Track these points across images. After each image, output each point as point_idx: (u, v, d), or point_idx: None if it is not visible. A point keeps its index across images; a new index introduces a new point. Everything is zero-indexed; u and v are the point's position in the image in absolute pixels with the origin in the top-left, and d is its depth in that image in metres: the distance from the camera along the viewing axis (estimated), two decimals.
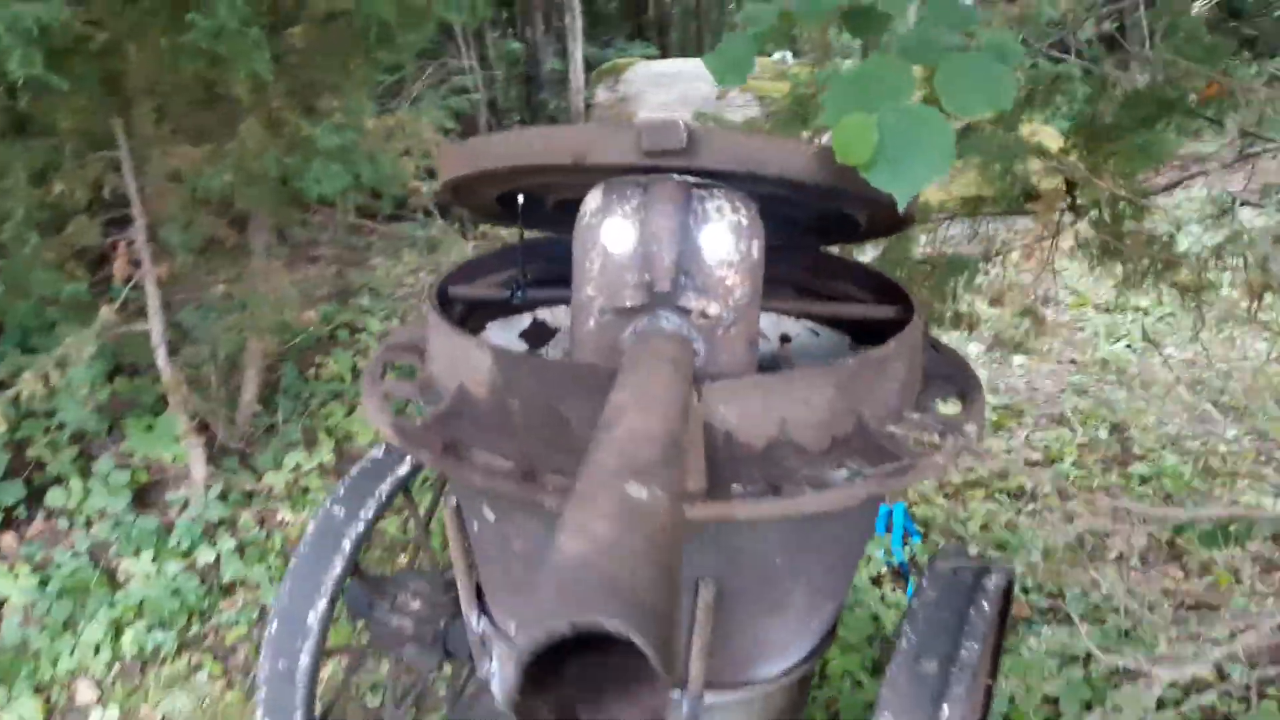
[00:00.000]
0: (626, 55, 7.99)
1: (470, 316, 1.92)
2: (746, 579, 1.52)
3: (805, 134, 2.60)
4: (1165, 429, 4.26)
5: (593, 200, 1.42)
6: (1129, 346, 5.16)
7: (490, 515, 1.57)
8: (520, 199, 1.72)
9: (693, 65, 6.87)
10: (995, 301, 2.26)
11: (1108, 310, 5.55)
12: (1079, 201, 2.00)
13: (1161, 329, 5.43)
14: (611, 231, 1.39)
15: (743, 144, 1.32)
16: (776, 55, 6.57)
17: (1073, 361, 5.01)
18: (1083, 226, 2.03)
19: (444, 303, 1.76)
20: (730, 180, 1.39)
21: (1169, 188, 1.99)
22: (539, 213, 1.83)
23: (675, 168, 1.34)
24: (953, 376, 1.72)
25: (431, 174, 4.30)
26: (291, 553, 2.96)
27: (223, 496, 3.35)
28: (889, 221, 1.59)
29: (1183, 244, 2.02)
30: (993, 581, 1.61)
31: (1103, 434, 4.13)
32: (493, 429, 1.45)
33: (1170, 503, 3.62)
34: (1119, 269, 2.02)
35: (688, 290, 1.38)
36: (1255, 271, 1.96)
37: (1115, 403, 4.47)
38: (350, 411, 4.01)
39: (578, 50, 6.36)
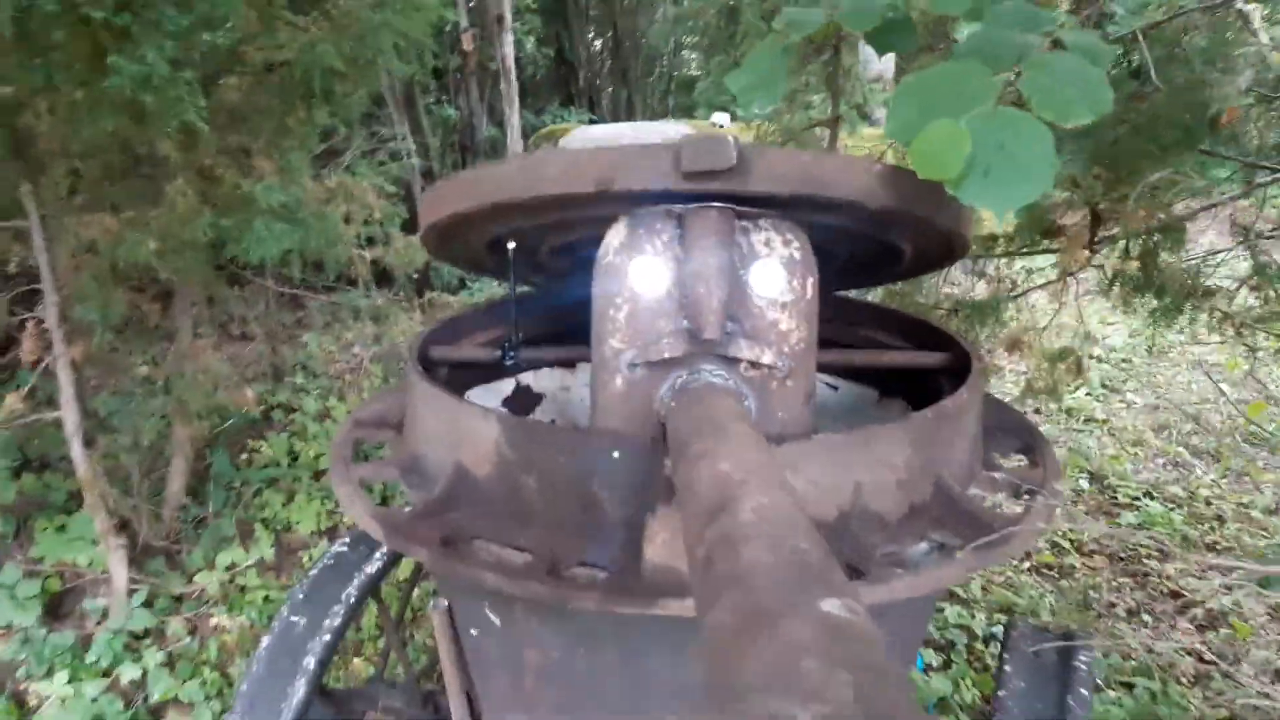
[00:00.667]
0: (562, 122, 7.88)
1: (449, 382, 1.67)
2: None
3: None
4: (1141, 475, 4.16)
5: (616, 236, 1.19)
6: (1089, 394, 5.09)
7: (495, 619, 1.30)
8: (512, 246, 1.49)
9: (630, 129, 6.77)
10: (1012, 348, 2.10)
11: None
12: (1107, 235, 1.85)
13: (1115, 375, 5.40)
14: (642, 271, 1.17)
15: (802, 162, 1.12)
16: (713, 118, 6.49)
17: (1037, 411, 4.92)
18: (1108, 261, 1.89)
19: (425, 366, 1.51)
20: (779, 207, 1.18)
21: (1185, 219, 1.87)
22: (530, 262, 1.60)
23: (719, 193, 1.13)
24: (1009, 428, 1.52)
25: (372, 240, 4.05)
26: (236, 667, 2.61)
27: (148, 603, 2.97)
28: (939, 253, 1.40)
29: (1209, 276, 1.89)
30: (1083, 660, 1.40)
31: (1084, 484, 4.00)
32: (502, 515, 1.20)
33: (1165, 551, 3.49)
34: (1153, 303, 1.88)
35: (737, 338, 1.16)
36: None
37: (1087, 450, 4.37)
38: (290, 499, 3.66)
39: (515, 115, 6.19)
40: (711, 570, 0.60)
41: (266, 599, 3.01)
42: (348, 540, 1.72)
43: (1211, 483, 4.02)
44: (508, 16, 6.02)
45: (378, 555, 1.69)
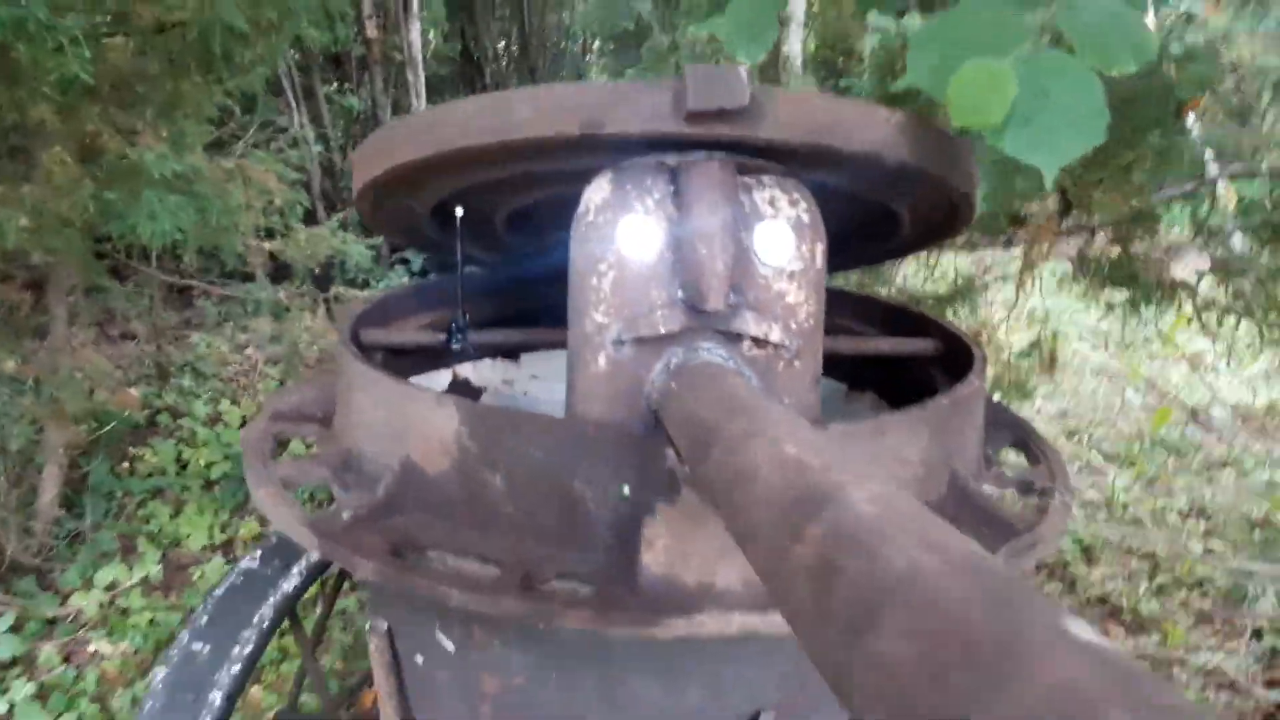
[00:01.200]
0: None
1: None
2: (810, 700, 1.13)
3: None
4: None
5: (598, 192, 1.02)
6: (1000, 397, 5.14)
7: (447, 643, 1.11)
8: (460, 211, 1.31)
9: None
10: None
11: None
12: (1077, 222, 1.78)
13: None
14: (631, 232, 1.00)
15: (817, 106, 0.97)
16: None
17: None
18: (1082, 249, 1.82)
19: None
20: (784, 160, 1.03)
21: (1157, 206, 1.83)
22: (481, 233, 1.42)
23: (724, 140, 0.97)
24: (1000, 422, 1.41)
25: (271, 232, 3.76)
26: (119, 699, 2.32)
27: (15, 628, 2.63)
28: (943, 223, 1.28)
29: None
30: None
31: None
32: (461, 520, 1.02)
33: (1090, 556, 3.50)
34: (1123, 293, 1.81)
35: (741, 310, 1.00)
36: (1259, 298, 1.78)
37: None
38: (178, 511, 3.35)
39: (422, 107, 5.93)
40: (840, 579, 0.44)
41: (152, 622, 2.71)
42: (258, 554, 1.50)
43: (1125, 487, 4.07)
44: (414, 4, 5.77)
45: (295, 570, 1.47)
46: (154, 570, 2.93)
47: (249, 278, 4.18)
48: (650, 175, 1.02)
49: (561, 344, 1.58)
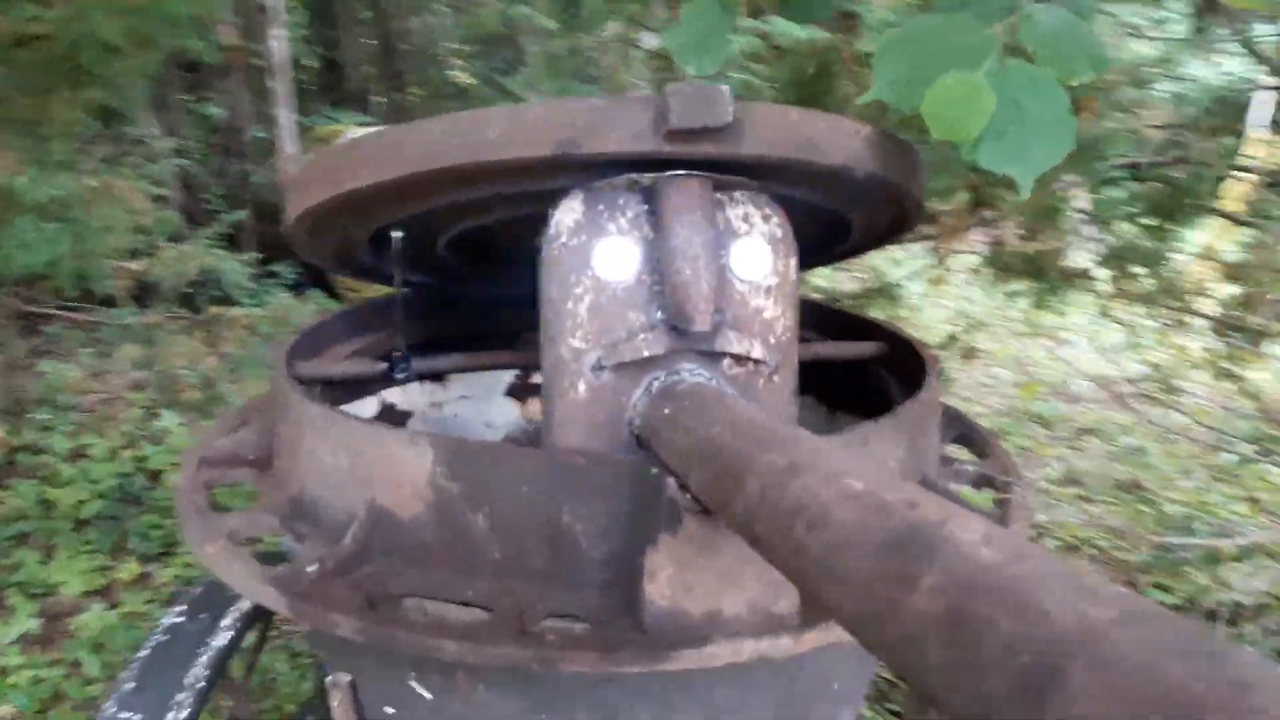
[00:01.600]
0: (334, 123, 7.36)
1: None
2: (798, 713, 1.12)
3: None
4: None
5: (569, 214, 0.98)
6: None
7: (424, 693, 1.04)
8: (398, 236, 1.24)
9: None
10: None
11: None
12: (988, 215, 1.85)
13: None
14: (608, 255, 0.97)
15: (793, 121, 0.96)
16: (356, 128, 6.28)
17: None
18: (992, 244, 1.88)
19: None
20: (759, 175, 1.02)
21: (1063, 199, 1.91)
22: (421, 257, 1.35)
23: (703, 158, 0.95)
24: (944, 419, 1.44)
25: (134, 253, 3.51)
26: None
27: None
28: (891, 226, 1.29)
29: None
30: None
31: None
32: (441, 565, 0.96)
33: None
34: (1028, 285, 1.89)
35: (724, 329, 0.98)
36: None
37: None
38: (48, 557, 3.09)
39: (286, 115, 5.68)
40: (990, 635, 0.42)
41: (36, 680, 2.49)
42: (183, 608, 1.38)
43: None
44: (276, 6, 5.52)
45: (226, 623, 1.37)
46: (31, 626, 2.70)
47: (108, 301, 3.91)
48: (623, 195, 0.99)
49: (504, 367, 1.53)
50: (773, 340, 1.01)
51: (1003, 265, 1.92)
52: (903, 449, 1.06)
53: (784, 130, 0.96)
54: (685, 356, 0.99)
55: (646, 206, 0.99)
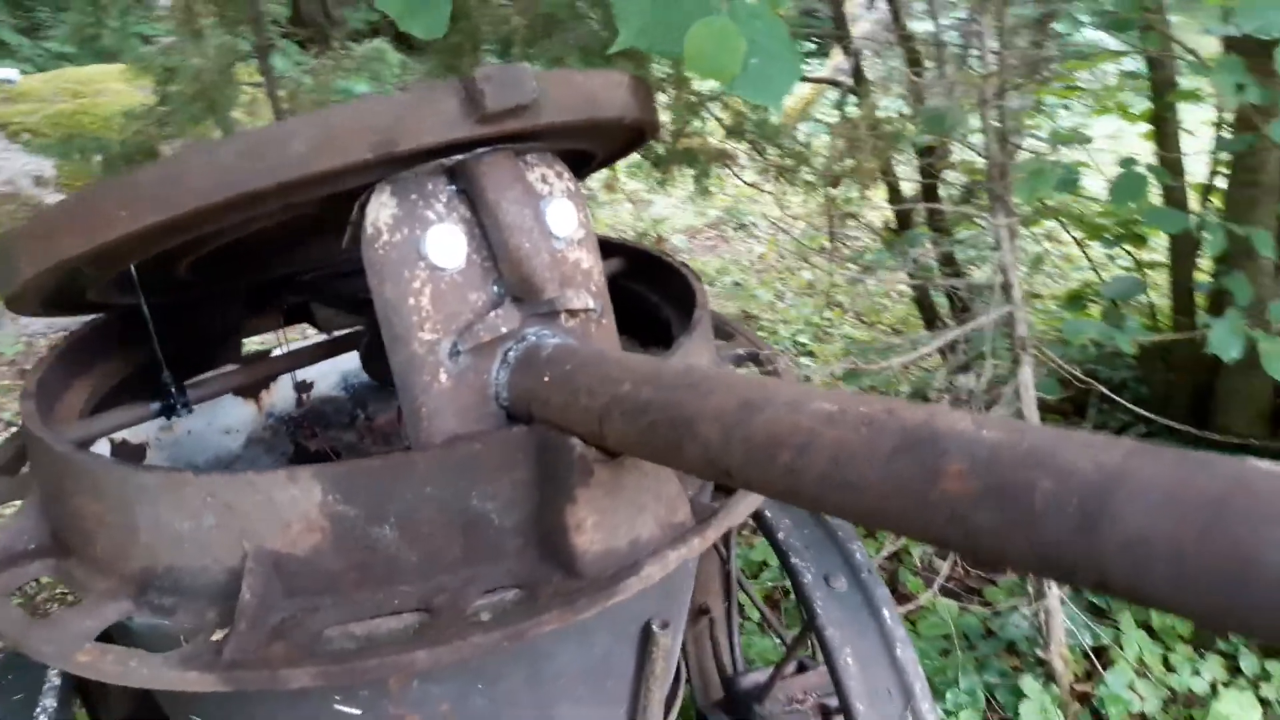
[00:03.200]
0: None
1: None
2: (677, 607, 1.28)
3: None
4: None
5: (382, 210, 0.98)
6: None
7: (352, 710, 1.05)
8: (133, 267, 1.12)
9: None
10: None
11: None
12: None
13: None
14: (438, 242, 0.99)
15: (581, 84, 1.02)
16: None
17: None
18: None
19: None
20: (550, 138, 1.07)
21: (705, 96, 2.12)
22: (159, 281, 1.21)
23: (513, 133, 0.98)
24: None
25: None
26: None
27: None
28: (627, 147, 1.39)
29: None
30: None
31: None
32: (352, 587, 0.97)
33: None
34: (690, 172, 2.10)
35: (562, 289, 1.05)
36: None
37: None
38: None
39: None
40: (1034, 495, 0.58)
41: None
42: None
43: None
44: None
45: (49, 681, 1.22)
46: None
47: None
48: (431, 180, 1.00)
49: (281, 371, 1.46)
50: (594, 288, 1.10)
51: (662, 160, 2.13)
52: (708, 352, 1.21)
53: (573, 93, 1.02)
54: (526, 322, 1.04)
55: (453, 187, 1.01)
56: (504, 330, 1.01)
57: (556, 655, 1.11)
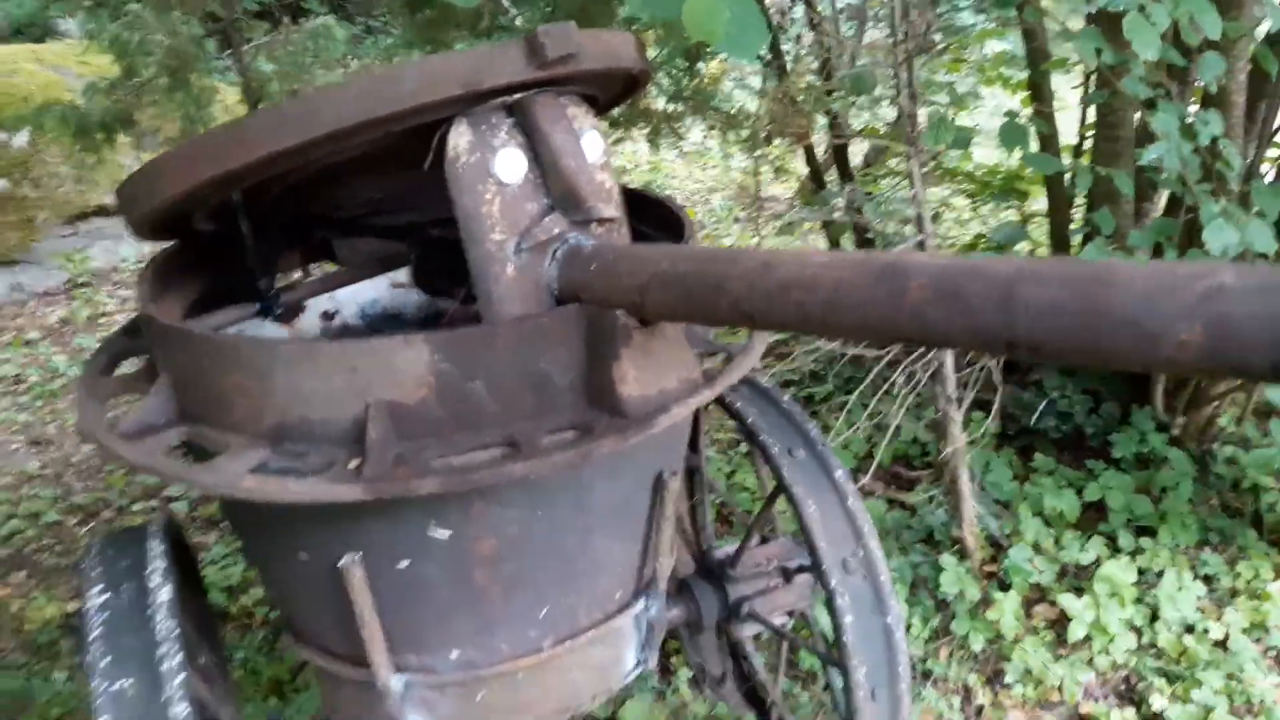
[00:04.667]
0: None
1: None
2: (678, 459, 1.59)
3: None
4: None
5: (461, 138, 1.26)
6: None
7: (441, 533, 1.33)
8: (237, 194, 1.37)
9: None
10: None
11: None
12: None
13: None
14: (505, 163, 1.28)
15: (605, 39, 1.32)
16: None
17: None
18: None
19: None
20: (571, 81, 1.36)
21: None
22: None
23: (560, 77, 1.27)
24: None
25: None
26: None
27: None
28: (625, 97, 1.68)
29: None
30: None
31: None
32: (449, 429, 1.25)
33: None
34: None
35: (595, 201, 1.35)
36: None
37: None
38: None
39: None
40: (968, 290, 0.91)
41: None
42: (101, 585, 1.42)
43: None
44: None
45: (152, 549, 1.45)
46: None
47: None
48: (495, 115, 1.28)
49: (343, 284, 1.73)
50: (614, 202, 1.39)
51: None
52: None
53: (601, 46, 1.31)
54: (568, 228, 1.34)
55: (512, 120, 1.29)
56: (555, 233, 1.30)
57: (594, 491, 1.41)
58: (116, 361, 1.59)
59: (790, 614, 1.99)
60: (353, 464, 1.20)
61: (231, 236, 1.64)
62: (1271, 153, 2.67)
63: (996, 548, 2.59)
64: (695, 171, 6.34)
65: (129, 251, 5.51)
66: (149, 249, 5.62)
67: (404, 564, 1.36)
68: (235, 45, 2.79)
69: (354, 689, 1.57)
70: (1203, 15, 1.77)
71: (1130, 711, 2.09)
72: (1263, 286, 0.71)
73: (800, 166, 3.46)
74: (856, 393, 2.53)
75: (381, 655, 1.43)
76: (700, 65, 2.79)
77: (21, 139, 5.05)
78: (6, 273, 5.04)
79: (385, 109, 1.16)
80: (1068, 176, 2.82)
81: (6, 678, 2.58)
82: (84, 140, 2.71)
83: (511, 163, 1.28)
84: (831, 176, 3.30)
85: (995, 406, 2.48)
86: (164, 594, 1.43)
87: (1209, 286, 0.74)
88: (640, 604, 1.63)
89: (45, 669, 2.63)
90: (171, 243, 1.59)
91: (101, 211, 5.31)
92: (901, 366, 2.27)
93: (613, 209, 1.37)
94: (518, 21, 2.35)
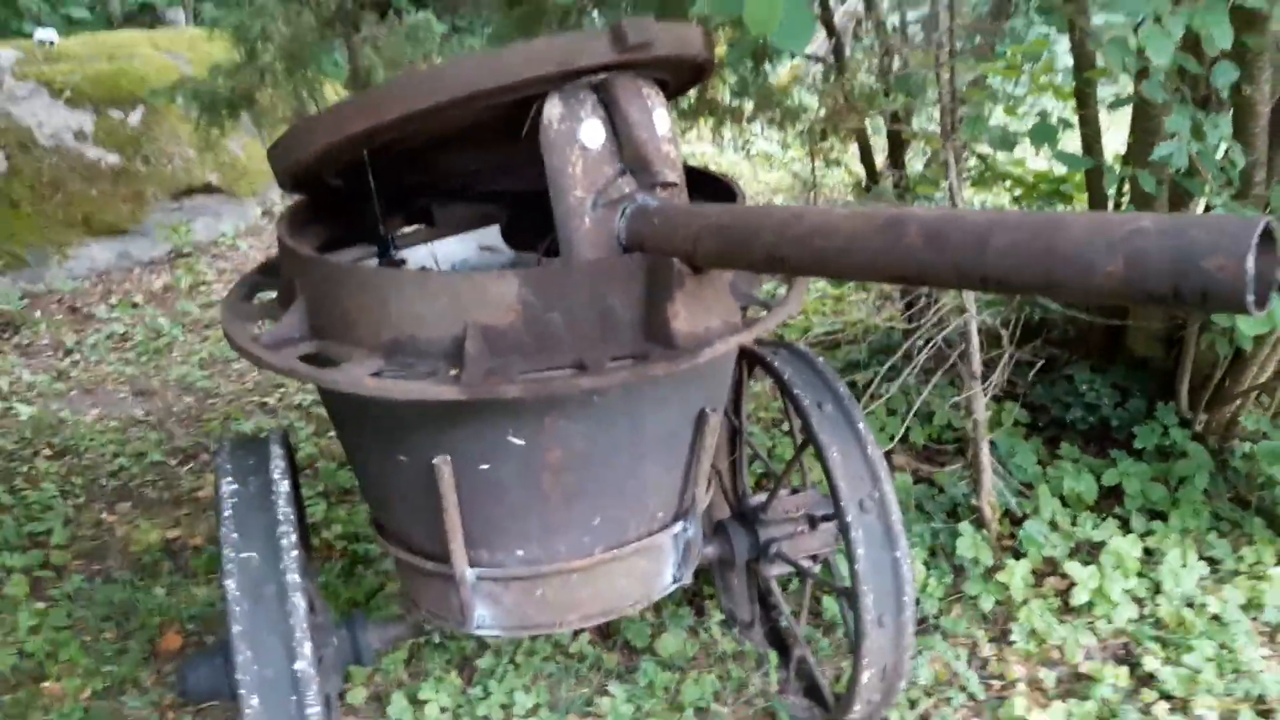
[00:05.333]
0: None
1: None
2: (720, 397, 1.84)
3: None
4: None
5: (553, 109, 1.53)
6: None
7: (518, 440, 1.59)
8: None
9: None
10: None
11: None
12: None
13: None
14: (589, 132, 1.54)
15: (676, 29, 1.58)
16: (38, 34, 5.64)
17: None
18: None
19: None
20: (641, 66, 1.61)
21: None
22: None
23: (638, 61, 1.53)
24: None
25: None
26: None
27: None
28: (693, 83, 1.93)
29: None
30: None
31: None
32: (532, 350, 1.51)
33: None
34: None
35: (662, 167, 1.60)
36: None
37: None
38: None
39: None
40: (952, 234, 1.14)
41: None
42: (230, 477, 1.70)
43: None
44: None
45: (274, 450, 1.73)
46: None
47: None
48: (581, 91, 1.54)
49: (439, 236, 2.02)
50: (677, 170, 1.65)
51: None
52: None
53: (673, 37, 1.57)
54: (638, 189, 1.59)
55: (595, 96, 1.55)
56: (626, 192, 1.56)
57: (647, 418, 1.66)
58: (253, 293, 1.89)
59: (814, 559, 2.22)
60: (452, 372, 1.47)
61: (351, 194, 1.93)
62: None
63: (1015, 524, 2.77)
64: (761, 172, 6.57)
65: (228, 227, 5.93)
66: (246, 226, 6.05)
67: (485, 466, 1.63)
68: (346, 36, 3.10)
69: (432, 581, 1.84)
70: (1216, 27, 1.96)
71: (1124, 670, 2.27)
72: (1169, 228, 0.94)
73: (856, 165, 3.67)
74: (886, 366, 2.74)
75: (460, 548, 1.70)
76: (769, 66, 3.03)
77: (135, 118, 5.49)
78: (116, 242, 5.48)
79: (496, 81, 1.43)
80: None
81: (116, 589, 2.91)
82: (210, 115, 3.05)
83: (594, 131, 1.54)
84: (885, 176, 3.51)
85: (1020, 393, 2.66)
86: (284, 486, 1.71)
87: (1131, 229, 0.97)
88: (679, 525, 1.88)
89: (148, 584, 2.95)
90: (302, 196, 1.89)
91: (206, 189, 5.73)
92: (930, 343, 2.48)
93: (675, 175, 1.63)
94: (597, 18, 2.62)
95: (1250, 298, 0.87)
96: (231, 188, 5.97)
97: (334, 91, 3.40)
